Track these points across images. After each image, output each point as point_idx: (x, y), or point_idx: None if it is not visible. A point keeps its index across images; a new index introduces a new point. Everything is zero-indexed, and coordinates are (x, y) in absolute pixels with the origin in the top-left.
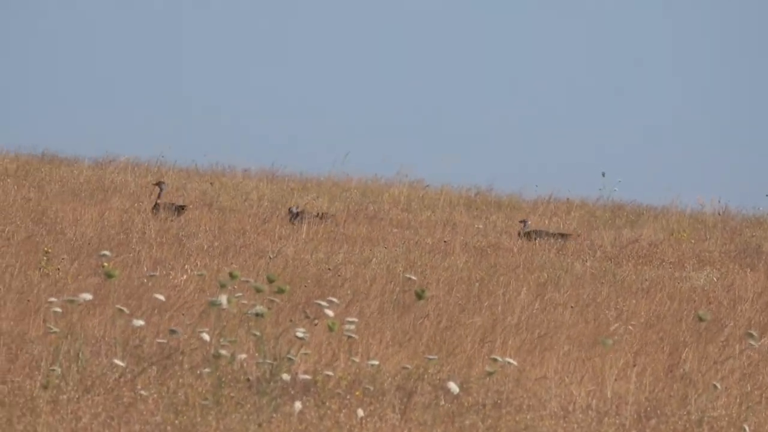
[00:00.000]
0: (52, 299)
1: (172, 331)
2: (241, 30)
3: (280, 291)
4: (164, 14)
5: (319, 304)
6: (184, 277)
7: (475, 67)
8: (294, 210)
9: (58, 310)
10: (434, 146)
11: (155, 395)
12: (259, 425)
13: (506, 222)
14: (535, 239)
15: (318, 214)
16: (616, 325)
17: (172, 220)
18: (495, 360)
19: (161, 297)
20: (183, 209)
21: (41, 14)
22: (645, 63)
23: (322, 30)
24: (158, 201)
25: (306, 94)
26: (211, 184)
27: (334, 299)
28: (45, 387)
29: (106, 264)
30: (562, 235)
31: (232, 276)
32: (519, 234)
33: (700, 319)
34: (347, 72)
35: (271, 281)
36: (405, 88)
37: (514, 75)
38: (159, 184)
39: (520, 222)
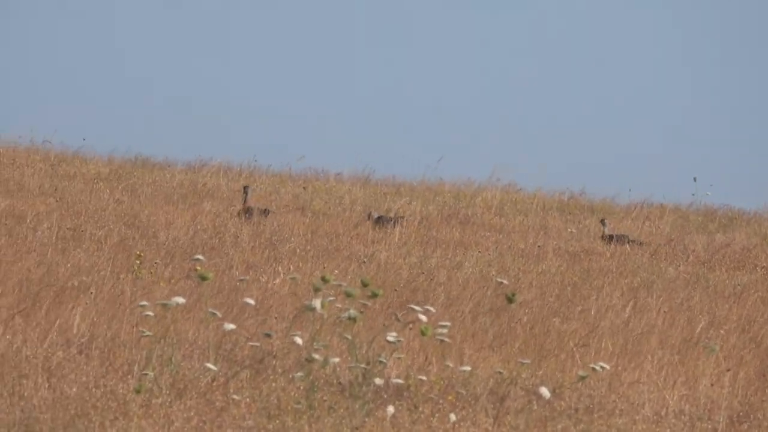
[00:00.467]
0: (144, 303)
1: (266, 335)
2: (334, 33)
3: (374, 295)
4: (266, 21)
5: (413, 309)
6: (277, 280)
7: (570, 70)
8: (375, 215)
9: (150, 313)
10: (527, 150)
11: (248, 399)
12: (353, 429)
13: (599, 226)
14: (615, 242)
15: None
16: (708, 330)
17: (258, 223)
18: (588, 365)
19: (251, 301)
20: (267, 213)
21: (143, 19)
22: (732, 62)
23: (418, 33)
24: (245, 205)
25: (400, 98)
26: (303, 188)
27: (428, 306)
28: (138, 391)
29: (199, 267)
30: (640, 244)
31: (324, 280)
32: (602, 237)
33: None
34: (442, 76)
35: (365, 285)
36: (499, 91)
37: (609, 77)
38: (245, 188)
39: (600, 222)
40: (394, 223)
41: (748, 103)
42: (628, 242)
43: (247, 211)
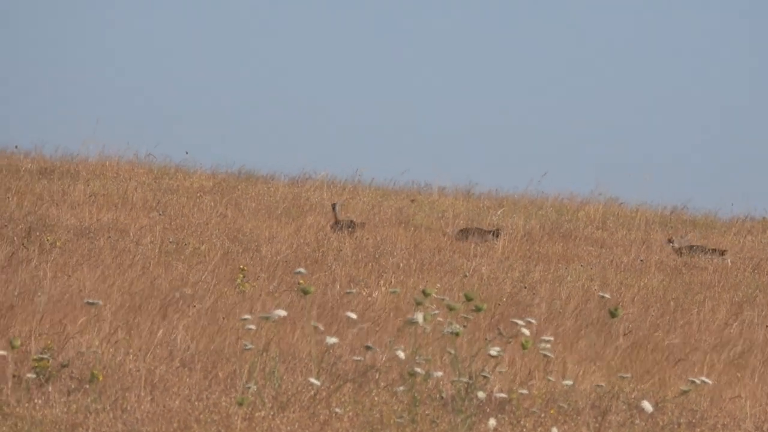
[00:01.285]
0: (247, 316)
1: (367, 347)
2: (440, 52)
3: (478, 309)
4: (380, 38)
5: (515, 323)
6: (376, 293)
7: (678, 84)
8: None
9: (253, 327)
10: (628, 164)
11: (350, 413)
12: None
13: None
14: (689, 254)
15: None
16: None
17: (360, 237)
18: (690, 379)
19: (353, 315)
20: (356, 225)
21: (247, 34)
22: None
23: (519, 51)
24: (335, 219)
25: (503, 113)
26: (412, 200)
27: (531, 319)
28: (240, 404)
29: (302, 281)
30: (719, 252)
31: (425, 293)
32: (676, 252)
33: None
34: (545, 92)
35: (468, 299)
36: (599, 108)
37: (712, 93)
38: (333, 205)
39: (668, 241)
40: (494, 234)
41: None
42: (707, 252)
43: (338, 224)
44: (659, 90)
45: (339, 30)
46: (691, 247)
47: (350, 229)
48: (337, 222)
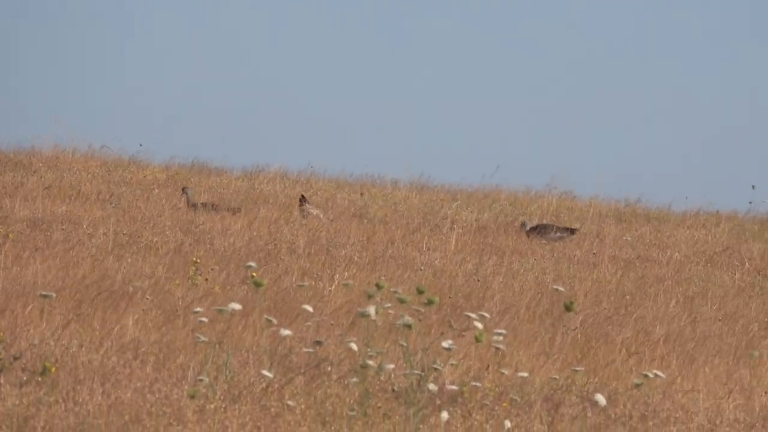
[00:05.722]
0: (199, 309)
1: (317, 342)
2: (392, 43)
3: (430, 302)
4: (324, 29)
5: (468, 316)
6: (332, 287)
7: (633, 79)
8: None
9: (204, 319)
10: (584, 158)
11: (302, 405)
12: None
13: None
14: (540, 234)
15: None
16: (764, 339)
17: (208, 214)
18: (643, 372)
19: (309, 308)
20: (215, 206)
21: (199, 25)
22: None
23: (473, 44)
24: (189, 203)
25: (458, 106)
26: (361, 194)
27: (484, 312)
28: (192, 397)
29: (254, 274)
30: (570, 230)
31: (378, 286)
32: (527, 234)
33: None
34: (497, 84)
35: (420, 293)
36: (556, 99)
37: (665, 88)
38: (183, 189)
39: (521, 224)
40: (571, 231)
41: None
42: (556, 231)
43: (193, 207)
44: (615, 84)
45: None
46: (542, 227)
47: (213, 210)
48: (192, 205)
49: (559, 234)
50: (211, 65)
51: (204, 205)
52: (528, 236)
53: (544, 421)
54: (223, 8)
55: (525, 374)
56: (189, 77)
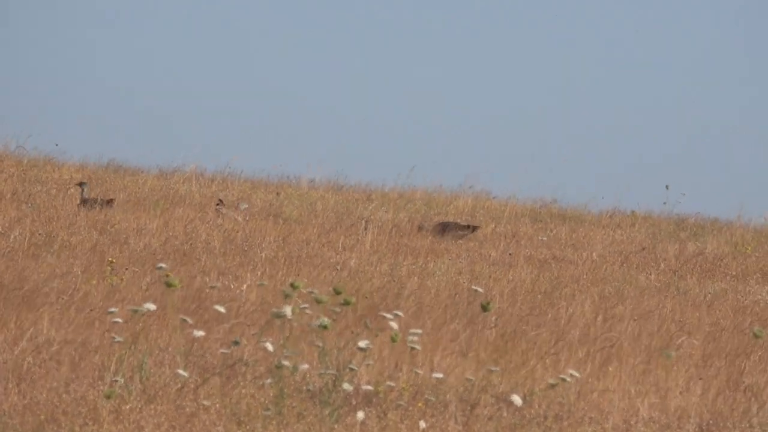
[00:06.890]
0: (113, 309)
1: (235, 342)
2: (309, 43)
3: (347, 303)
4: (238, 23)
5: (384, 316)
6: (244, 286)
7: (547, 78)
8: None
9: (119, 320)
10: (500, 158)
11: (218, 405)
12: None
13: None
14: (441, 233)
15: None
16: (683, 338)
17: (100, 211)
18: (558, 373)
19: (222, 309)
20: (111, 202)
21: (114, 24)
22: (710, 68)
23: (386, 44)
24: (83, 198)
25: (372, 106)
26: (277, 194)
27: (399, 312)
28: (108, 397)
29: (168, 274)
30: (471, 228)
31: (293, 286)
32: (80, 203)
33: (755, 336)
34: (415, 85)
35: (337, 293)
36: (471, 100)
37: (580, 87)
38: (80, 184)
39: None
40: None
41: (719, 112)
42: (457, 228)
43: (85, 203)
44: (533, 84)
45: (214, 18)
46: (443, 225)
47: (107, 206)
48: (84, 201)
49: (460, 232)
50: (130, 65)
51: (95, 200)
52: (430, 235)
53: (459, 421)
54: (126, 8)
55: (440, 375)
56: (106, 77)
